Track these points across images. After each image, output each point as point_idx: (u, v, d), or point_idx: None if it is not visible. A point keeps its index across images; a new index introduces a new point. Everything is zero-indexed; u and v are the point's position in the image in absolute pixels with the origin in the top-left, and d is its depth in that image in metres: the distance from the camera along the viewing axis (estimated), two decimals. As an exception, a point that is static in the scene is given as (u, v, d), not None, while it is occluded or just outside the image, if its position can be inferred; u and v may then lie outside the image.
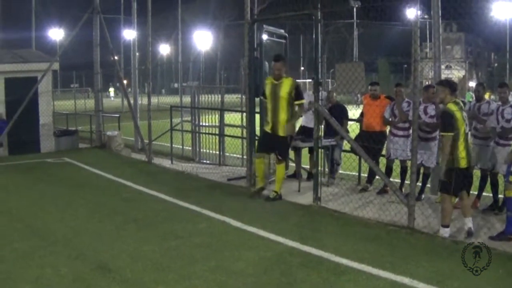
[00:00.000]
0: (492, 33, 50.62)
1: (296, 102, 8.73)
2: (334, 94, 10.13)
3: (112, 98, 50.52)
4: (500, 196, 7.57)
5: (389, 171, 9.08)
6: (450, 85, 6.88)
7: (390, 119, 9.01)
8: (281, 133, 8.69)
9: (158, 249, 6.20)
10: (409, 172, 7.92)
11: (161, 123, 15.60)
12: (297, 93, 8.68)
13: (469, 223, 6.77)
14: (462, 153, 6.64)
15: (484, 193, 8.19)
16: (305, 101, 9.27)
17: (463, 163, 6.66)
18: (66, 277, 5.33)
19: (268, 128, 8.86)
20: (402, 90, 9.01)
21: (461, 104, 6.91)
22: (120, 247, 6.27)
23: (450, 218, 6.80)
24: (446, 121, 6.70)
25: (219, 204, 8.39)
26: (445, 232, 6.71)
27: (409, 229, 6.98)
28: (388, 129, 9.33)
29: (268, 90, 8.84)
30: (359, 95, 18.36)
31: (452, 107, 6.69)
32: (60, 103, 18.25)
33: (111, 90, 56.52)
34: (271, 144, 8.88)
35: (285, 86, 8.61)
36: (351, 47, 50.25)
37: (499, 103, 7.76)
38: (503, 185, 6.82)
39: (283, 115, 8.63)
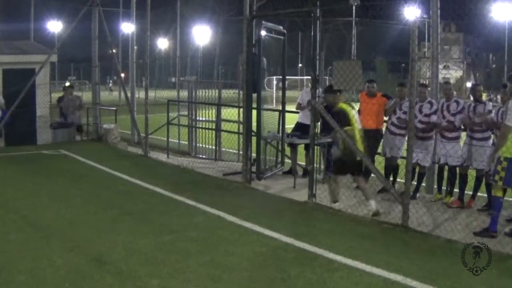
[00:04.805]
0: (491, 34, 50.73)
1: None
2: None
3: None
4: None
5: (391, 169, 9.08)
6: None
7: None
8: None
9: (153, 242, 6.22)
10: (404, 170, 7.95)
11: (158, 117, 15.58)
12: None
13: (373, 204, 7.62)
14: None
15: (478, 193, 8.23)
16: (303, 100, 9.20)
17: None
18: (61, 269, 5.35)
19: None
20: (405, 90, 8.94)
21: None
22: (115, 239, 6.29)
23: None
24: None
25: (214, 198, 8.40)
26: None
27: (403, 227, 7.00)
28: (384, 127, 9.36)
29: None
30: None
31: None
32: (57, 95, 18.25)
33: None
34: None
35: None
36: (349, 45, 50.22)
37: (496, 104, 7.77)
38: None
39: None
